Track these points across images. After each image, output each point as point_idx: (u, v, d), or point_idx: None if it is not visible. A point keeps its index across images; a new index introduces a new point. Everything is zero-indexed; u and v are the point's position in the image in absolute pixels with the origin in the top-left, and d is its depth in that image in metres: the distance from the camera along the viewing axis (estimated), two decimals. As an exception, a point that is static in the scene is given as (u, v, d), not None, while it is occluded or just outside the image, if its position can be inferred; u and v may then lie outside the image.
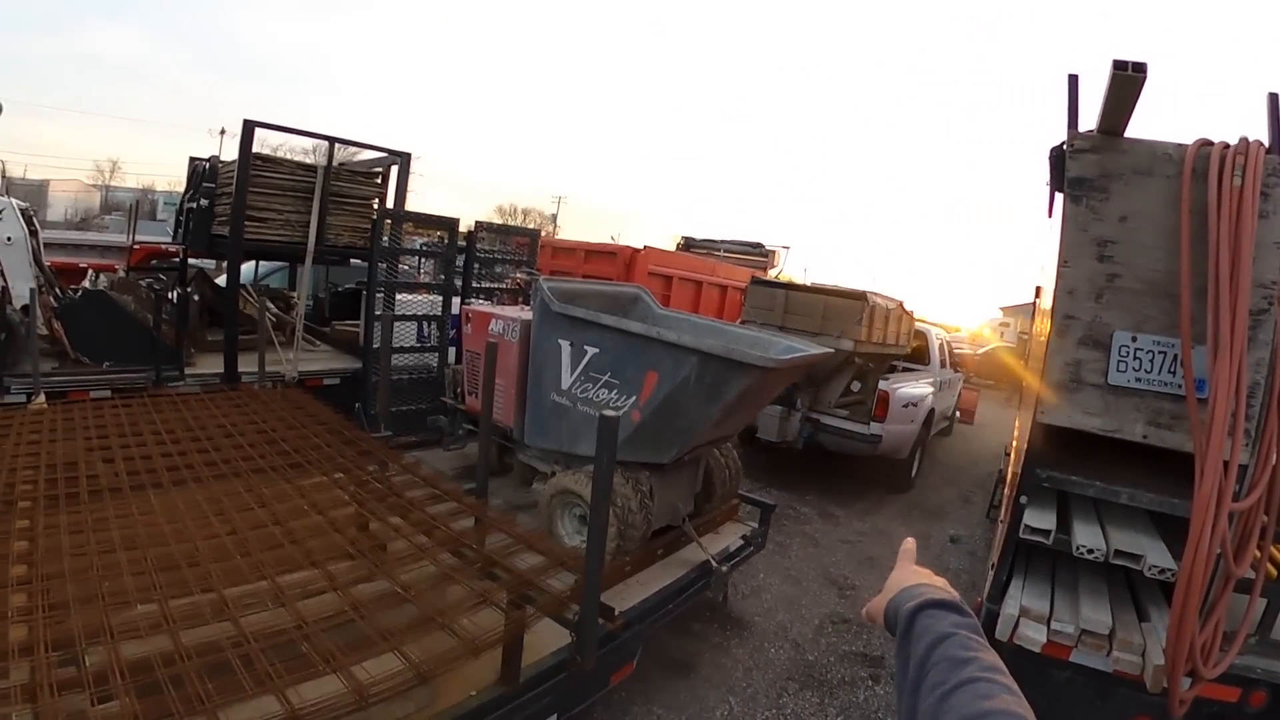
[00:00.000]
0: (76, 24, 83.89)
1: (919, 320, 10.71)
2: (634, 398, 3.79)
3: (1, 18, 74.77)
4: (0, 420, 4.10)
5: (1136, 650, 3.14)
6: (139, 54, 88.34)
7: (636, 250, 10.51)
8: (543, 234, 11.35)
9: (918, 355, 10.47)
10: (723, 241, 16.03)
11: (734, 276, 12.44)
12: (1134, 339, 3.22)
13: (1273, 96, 3.08)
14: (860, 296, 7.86)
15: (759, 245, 16.03)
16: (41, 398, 4.83)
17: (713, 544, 4.40)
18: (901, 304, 9.40)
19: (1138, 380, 3.21)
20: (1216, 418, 2.78)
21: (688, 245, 15.86)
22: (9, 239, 5.82)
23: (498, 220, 53.62)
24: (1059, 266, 3.33)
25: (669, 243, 16.70)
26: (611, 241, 15.36)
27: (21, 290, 5.77)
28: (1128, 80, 2.96)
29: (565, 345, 4.11)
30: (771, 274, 14.97)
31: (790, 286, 9.11)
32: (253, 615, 2.38)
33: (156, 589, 2.45)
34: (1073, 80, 3.39)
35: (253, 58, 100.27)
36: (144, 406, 4.53)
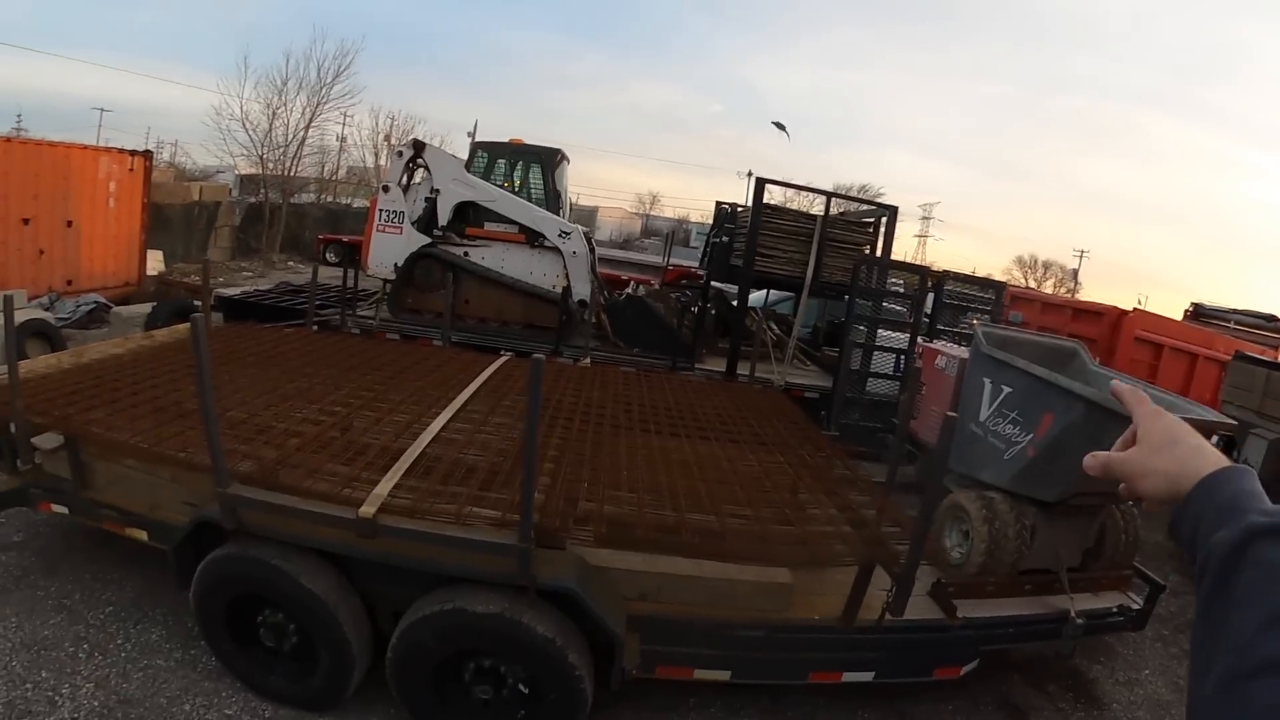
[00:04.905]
0: (615, 85, 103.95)
1: None
2: (1032, 434, 4.18)
3: (557, 80, 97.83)
4: (559, 370, 5.98)
5: None
6: (673, 105, 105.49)
7: (1125, 313, 9.79)
8: (1052, 289, 11.09)
9: None
10: (1233, 312, 13.74)
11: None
12: None
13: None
14: None
15: (1273, 318, 13.36)
16: (588, 360, 6.85)
17: (1087, 603, 4.22)
18: None
19: None
20: None
21: (1196, 314, 13.94)
22: (574, 253, 8.49)
23: (1016, 271, 51.51)
24: None
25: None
26: (1138, 305, 14.12)
27: (579, 290, 8.44)
28: None
29: (987, 383, 4.61)
30: None
31: (1275, 365, 7.56)
32: (695, 515, 3.47)
33: (639, 484, 3.71)
34: None
35: (774, 107, 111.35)
36: (660, 382, 6.10)
